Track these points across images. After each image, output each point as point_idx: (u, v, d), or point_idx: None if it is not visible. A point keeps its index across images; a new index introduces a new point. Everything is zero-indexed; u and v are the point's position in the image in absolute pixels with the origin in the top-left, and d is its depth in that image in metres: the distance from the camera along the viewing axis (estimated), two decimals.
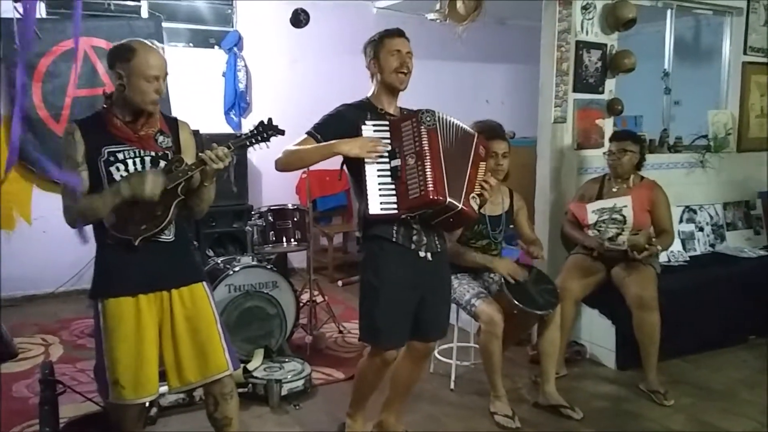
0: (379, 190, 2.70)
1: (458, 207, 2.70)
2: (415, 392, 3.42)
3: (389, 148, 2.73)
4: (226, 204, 5.76)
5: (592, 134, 4.76)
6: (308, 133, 2.80)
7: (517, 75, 7.92)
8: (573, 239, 4.24)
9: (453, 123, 2.83)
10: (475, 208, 2.82)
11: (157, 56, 2.45)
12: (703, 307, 4.40)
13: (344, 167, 2.87)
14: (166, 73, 2.50)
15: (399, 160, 2.70)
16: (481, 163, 2.89)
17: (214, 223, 5.82)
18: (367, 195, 2.69)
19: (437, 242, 2.88)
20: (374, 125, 2.76)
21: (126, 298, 2.44)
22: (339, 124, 2.79)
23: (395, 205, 2.69)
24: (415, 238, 2.79)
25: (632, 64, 4.71)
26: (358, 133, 2.73)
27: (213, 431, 2.70)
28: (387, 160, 2.72)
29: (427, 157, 2.65)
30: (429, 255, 2.82)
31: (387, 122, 2.79)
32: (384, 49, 2.83)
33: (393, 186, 2.70)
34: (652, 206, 4.10)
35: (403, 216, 2.72)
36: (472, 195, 2.80)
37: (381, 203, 2.68)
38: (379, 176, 2.70)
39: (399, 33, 2.88)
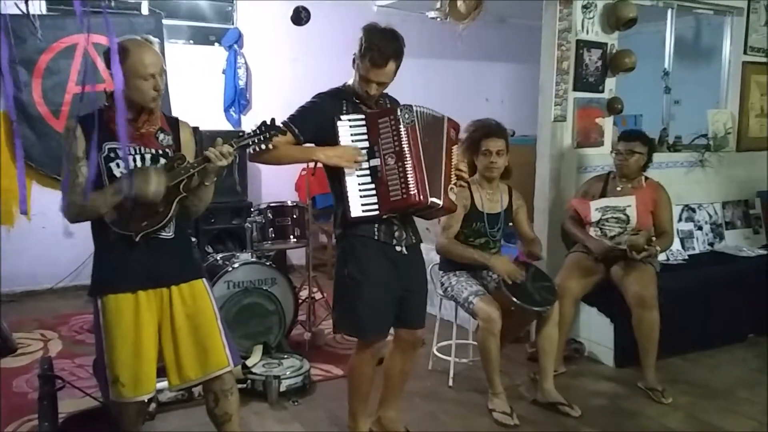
0: (360, 191, 2.71)
1: (440, 205, 2.74)
2: (413, 389, 3.43)
3: (366, 144, 2.72)
4: (225, 201, 5.76)
5: (591, 133, 4.76)
6: (284, 124, 2.72)
7: (517, 74, 7.92)
8: (574, 238, 4.23)
9: (426, 113, 2.80)
10: (454, 199, 2.85)
11: (151, 53, 2.45)
12: (701, 305, 4.40)
13: (319, 163, 2.86)
14: (163, 69, 2.49)
15: (378, 159, 2.70)
16: (453, 147, 2.89)
17: (213, 219, 5.83)
18: (347, 196, 2.70)
19: (412, 235, 2.92)
20: (350, 120, 2.74)
21: (125, 294, 2.44)
22: (316, 117, 2.77)
23: (376, 206, 2.70)
24: (396, 234, 2.83)
25: (632, 63, 4.71)
26: (333, 128, 2.71)
27: (212, 427, 2.70)
28: (365, 158, 2.71)
29: (408, 158, 2.66)
30: (404, 249, 2.86)
31: (363, 116, 2.77)
32: (363, 68, 2.73)
33: (373, 186, 2.71)
34: (655, 207, 4.10)
35: (384, 217, 2.74)
36: (450, 186, 2.82)
37: (362, 205, 2.70)
38: (358, 176, 2.71)
39: (381, 63, 2.70)
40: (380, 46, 2.70)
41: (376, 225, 2.78)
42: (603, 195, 4.18)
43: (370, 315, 2.80)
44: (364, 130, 2.74)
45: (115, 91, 2.20)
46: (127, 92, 2.42)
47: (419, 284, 3.00)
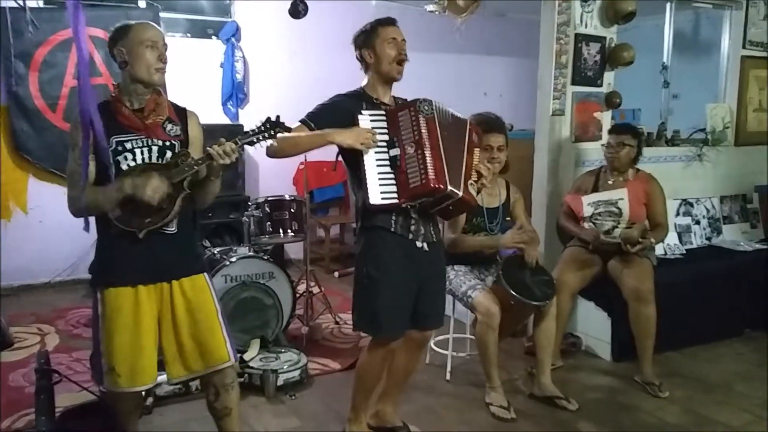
0: (379, 180, 2.69)
1: (459, 195, 2.72)
2: (411, 383, 3.43)
3: (387, 137, 2.72)
4: (223, 194, 5.67)
5: (590, 127, 4.76)
6: (302, 121, 2.75)
7: (515, 68, 7.91)
8: (569, 232, 4.24)
9: (447, 111, 2.83)
10: (474, 194, 2.86)
11: (153, 28, 2.49)
12: (699, 300, 4.41)
13: (339, 158, 2.85)
14: (166, 45, 2.50)
15: (398, 149, 2.69)
16: (475, 149, 2.91)
17: (210, 213, 5.81)
18: (366, 185, 2.69)
19: (433, 232, 2.89)
20: (371, 115, 2.75)
21: (125, 288, 2.43)
22: (334, 113, 2.77)
23: (396, 195, 2.69)
24: (413, 228, 2.80)
25: (631, 57, 4.70)
26: (354, 123, 2.72)
27: (209, 421, 2.70)
28: (385, 149, 2.71)
29: (427, 146, 2.66)
30: (425, 245, 2.83)
31: (383, 112, 2.78)
32: (379, 39, 2.80)
33: (393, 175, 2.70)
34: (648, 199, 4.10)
35: (403, 205, 2.72)
36: (470, 182, 2.82)
37: (381, 193, 2.68)
38: (378, 166, 2.70)
39: (392, 21, 2.86)
40: (377, 18, 2.85)
41: (394, 217, 2.76)
42: (595, 189, 4.18)
43: (387, 314, 2.78)
44: (384, 124, 2.75)
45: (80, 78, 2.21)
46: (130, 68, 2.43)
47: (437, 284, 2.99)
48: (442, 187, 2.65)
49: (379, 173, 2.70)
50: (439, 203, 2.78)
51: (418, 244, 2.81)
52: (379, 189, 2.69)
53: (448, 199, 2.74)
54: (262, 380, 3.62)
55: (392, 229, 2.76)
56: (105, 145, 2.36)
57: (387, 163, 2.71)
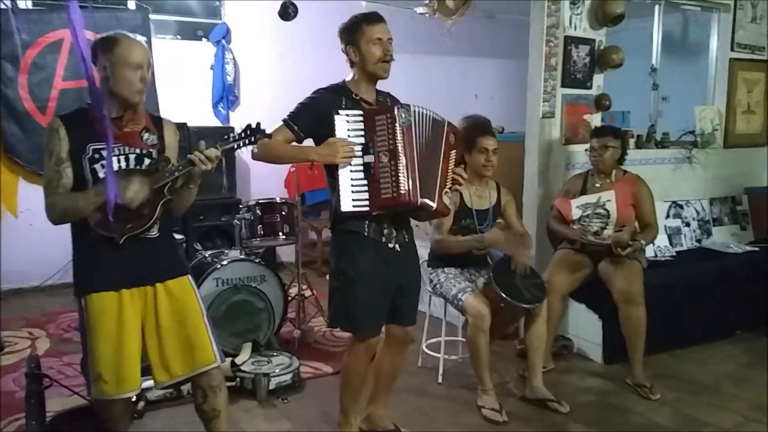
0: (352, 186, 2.69)
1: (432, 207, 2.73)
2: (402, 386, 3.43)
3: (362, 140, 2.70)
4: (214, 197, 5.74)
5: (580, 129, 4.77)
6: (284, 121, 2.77)
7: (506, 70, 7.93)
8: (559, 234, 4.25)
9: (426, 115, 2.79)
10: (448, 203, 2.85)
11: (139, 46, 2.46)
12: (689, 301, 4.42)
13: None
14: (150, 64, 2.48)
15: (372, 156, 2.68)
16: (452, 152, 2.88)
17: (202, 216, 5.81)
18: (339, 190, 2.69)
19: (405, 234, 2.91)
20: (348, 115, 2.73)
21: (108, 293, 2.43)
22: (314, 112, 2.78)
23: (367, 203, 2.69)
24: (386, 231, 2.81)
25: (620, 59, 4.72)
26: (331, 122, 2.70)
27: (201, 425, 2.69)
28: (360, 154, 2.70)
29: (401, 157, 2.64)
30: (398, 246, 2.85)
31: (361, 112, 2.75)
32: (364, 38, 2.78)
33: (365, 183, 2.69)
34: (636, 200, 4.12)
35: (374, 214, 2.73)
36: (445, 190, 2.81)
37: (353, 200, 2.68)
38: (351, 171, 2.70)
39: (378, 19, 2.83)
40: (363, 14, 2.84)
41: (366, 221, 2.77)
42: (583, 192, 4.20)
43: (363, 311, 2.80)
44: (361, 126, 2.72)
45: (90, 89, 2.21)
46: (112, 85, 2.41)
47: (412, 282, 3.00)
48: (412, 199, 2.66)
49: (352, 179, 2.69)
50: (411, 212, 2.82)
51: (390, 245, 2.83)
52: (351, 196, 2.68)
53: (421, 210, 2.77)
54: (254, 384, 3.61)
55: (365, 234, 2.78)
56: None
57: (361, 169, 2.70)
